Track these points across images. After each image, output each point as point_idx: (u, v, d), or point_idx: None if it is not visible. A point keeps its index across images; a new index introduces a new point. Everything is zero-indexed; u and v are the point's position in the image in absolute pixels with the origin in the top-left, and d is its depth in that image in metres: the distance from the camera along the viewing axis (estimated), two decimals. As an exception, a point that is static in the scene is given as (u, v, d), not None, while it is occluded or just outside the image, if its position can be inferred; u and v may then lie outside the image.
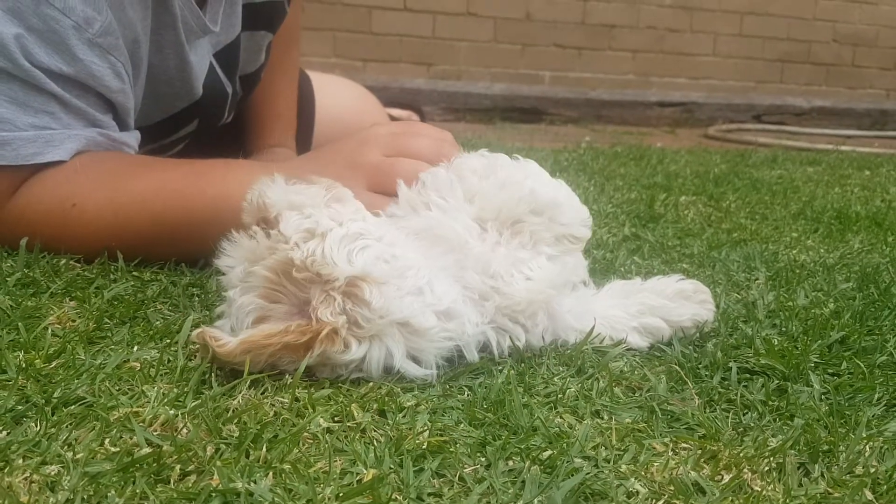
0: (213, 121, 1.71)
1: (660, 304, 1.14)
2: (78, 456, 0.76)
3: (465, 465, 0.79)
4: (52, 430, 0.80)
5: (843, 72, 6.36)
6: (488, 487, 0.76)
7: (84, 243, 1.27)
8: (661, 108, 5.40)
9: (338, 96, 2.24)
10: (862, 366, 1.09)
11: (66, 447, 0.78)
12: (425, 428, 0.86)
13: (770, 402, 0.97)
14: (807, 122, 5.67)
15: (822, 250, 1.81)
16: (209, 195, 1.25)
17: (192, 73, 1.52)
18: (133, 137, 1.39)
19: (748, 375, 1.06)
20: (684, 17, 5.77)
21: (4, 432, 0.80)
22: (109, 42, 1.26)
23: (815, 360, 1.11)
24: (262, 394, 0.90)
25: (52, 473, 0.73)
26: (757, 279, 1.49)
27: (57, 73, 1.23)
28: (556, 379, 1.01)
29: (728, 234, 1.91)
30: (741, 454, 0.84)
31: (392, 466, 0.78)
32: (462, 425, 0.88)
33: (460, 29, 5.24)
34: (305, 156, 1.39)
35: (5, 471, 0.73)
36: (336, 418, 0.86)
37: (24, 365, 0.93)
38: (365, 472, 0.77)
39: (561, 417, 0.91)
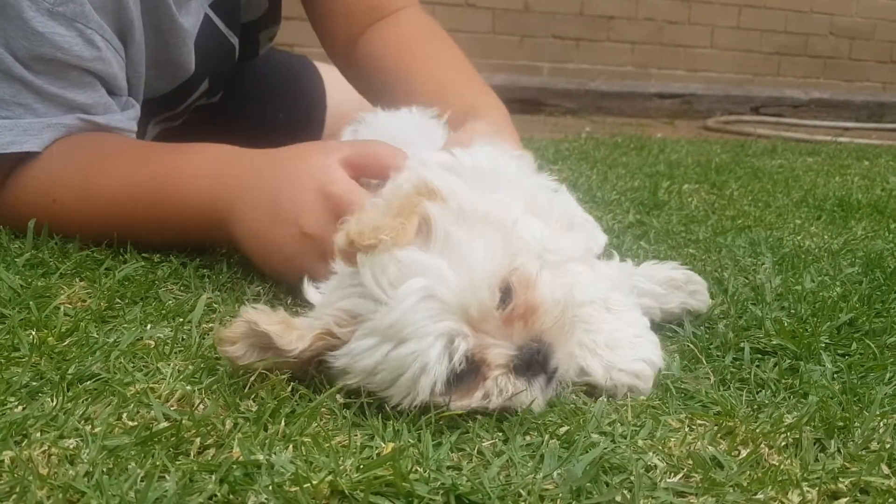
0: (224, 76, 1.68)
1: (650, 289, 1.12)
2: (96, 430, 0.76)
3: (483, 440, 0.79)
4: (69, 405, 0.80)
5: (841, 65, 6.36)
6: (507, 461, 0.76)
7: (73, 232, 1.25)
8: (660, 99, 5.40)
9: (347, 90, 2.21)
10: (872, 346, 1.09)
11: (83, 421, 0.77)
12: (441, 404, 0.86)
13: (783, 381, 0.97)
14: (804, 114, 5.67)
15: (825, 236, 1.82)
16: (161, 181, 1.22)
17: (186, 38, 1.47)
18: (125, 118, 1.35)
19: (759, 355, 1.06)
20: (682, 9, 5.77)
21: (20, 407, 0.79)
22: (73, 10, 1.22)
23: (826, 340, 1.11)
24: (276, 371, 0.89)
25: (71, 447, 0.73)
26: (763, 264, 1.50)
27: (26, 54, 1.20)
28: (568, 358, 1.01)
29: (732, 220, 1.91)
30: (757, 430, 0.84)
31: (411, 440, 0.78)
32: (477, 402, 0.88)
33: (459, 20, 5.22)
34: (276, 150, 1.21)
35: (23, 444, 0.73)
36: (351, 394, 0.86)
37: (36, 342, 0.93)
38: (384, 445, 0.77)
39: (576, 395, 0.91)
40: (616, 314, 0.99)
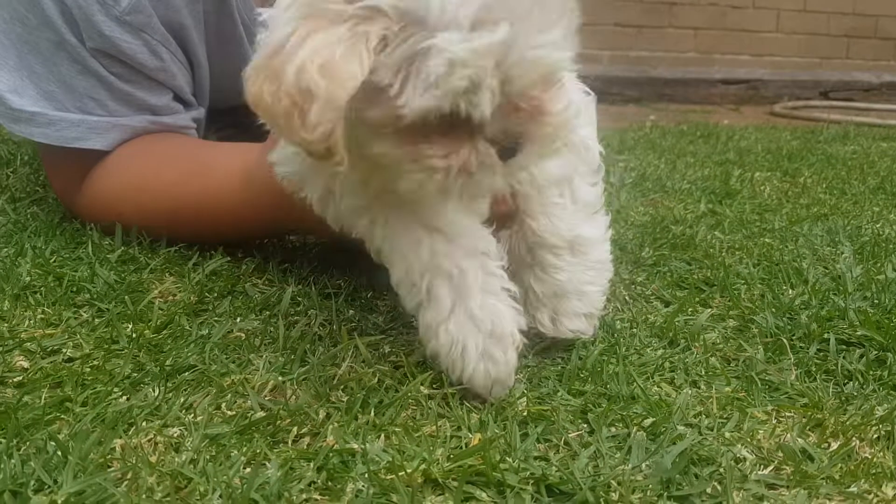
0: None
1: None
2: (198, 419, 0.79)
3: (569, 431, 0.80)
4: (170, 395, 0.83)
5: (913, 46, 6.14)
6: (595, 451, 0.77)
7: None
8: (725, 85, 5.29)
9: None
10: (961, 337, 1.06)
11: (184, 411, 0.81)
12: (523, 395, 0.88)
13: (871, 372, 0.96)
14: (876, 97, 5.49)
15: (906, 225, 1.77)
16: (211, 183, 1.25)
17: None
18: (188, 118, 1.38)
19: (844, 346, 1.04)
20: (746, -7, 5.64)
21: (124, 397, 0.83)
22: (141, 20, 1.25)
23: (912, 331, 1.09)
24: (362, 362, 0.92)
25: (175, 435, 0.77)
26: (843, 253, 1.47)
27: (96, 53, 1.23)
28: (648, 350, 1.01)
29: (807, 208, 1.87)
30: (847, 422, 0.83)
31: (497, 431, 0.79)
32: (560, 393, 0.89)
33: (518, 10, 5.20)
34: None
35: (130, 433, 0.77)
36: (434, 385, 0.88)
37: (134, 335, 0.97)
38: (471, 436, 0.78)
39: (658, 387, 0.92)
40: (580, 256, 0.98)
